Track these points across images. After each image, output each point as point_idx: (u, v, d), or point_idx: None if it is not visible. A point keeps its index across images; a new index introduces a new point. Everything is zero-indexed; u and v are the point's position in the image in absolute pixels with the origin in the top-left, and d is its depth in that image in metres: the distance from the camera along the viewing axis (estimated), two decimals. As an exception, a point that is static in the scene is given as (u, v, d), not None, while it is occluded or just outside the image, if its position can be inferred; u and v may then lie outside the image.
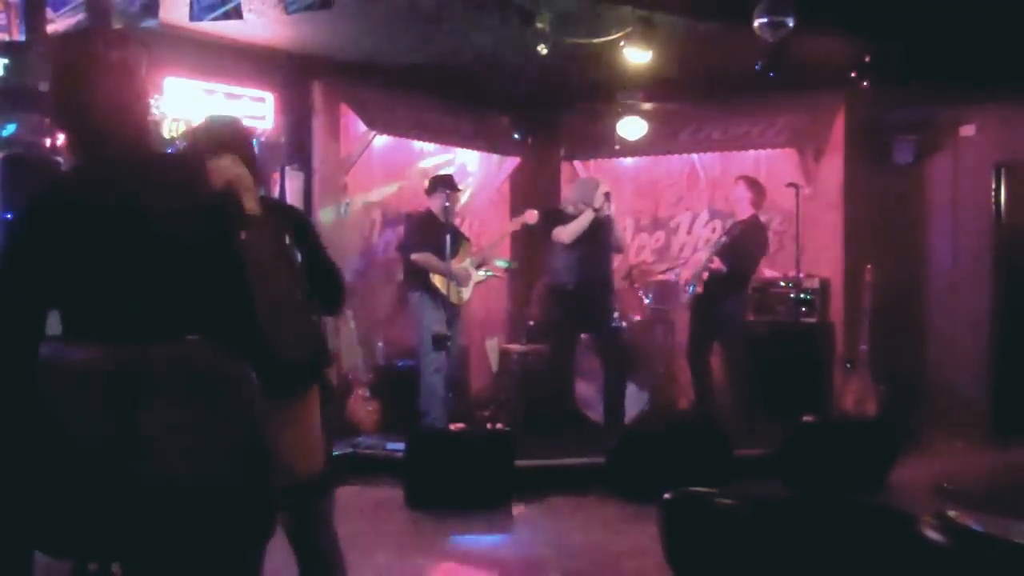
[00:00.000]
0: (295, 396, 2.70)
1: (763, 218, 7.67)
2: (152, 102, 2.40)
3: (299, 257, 2.68)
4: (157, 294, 2.21)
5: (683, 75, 7.53)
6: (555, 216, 7.39)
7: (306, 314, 2.36)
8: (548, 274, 7.57)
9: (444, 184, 7.33)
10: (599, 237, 7.20)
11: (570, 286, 7.21)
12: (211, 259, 2.24)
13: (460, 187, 7.64)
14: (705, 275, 7.32)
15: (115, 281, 2.20)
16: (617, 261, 7.81)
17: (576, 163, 9.24)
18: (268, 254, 2.25)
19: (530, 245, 8.43)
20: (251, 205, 2.25)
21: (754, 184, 7.54)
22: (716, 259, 7.24)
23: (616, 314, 7.50)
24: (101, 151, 2.29)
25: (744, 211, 7.45)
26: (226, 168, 2.29)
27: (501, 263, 8.02)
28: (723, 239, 7.33)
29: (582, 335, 7.56)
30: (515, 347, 8.05)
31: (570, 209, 7.36)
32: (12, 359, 2.12)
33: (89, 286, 2.21)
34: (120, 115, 2.28)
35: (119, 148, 2.28)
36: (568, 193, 7.90)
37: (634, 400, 7.74)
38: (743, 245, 7.28)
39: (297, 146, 7.52)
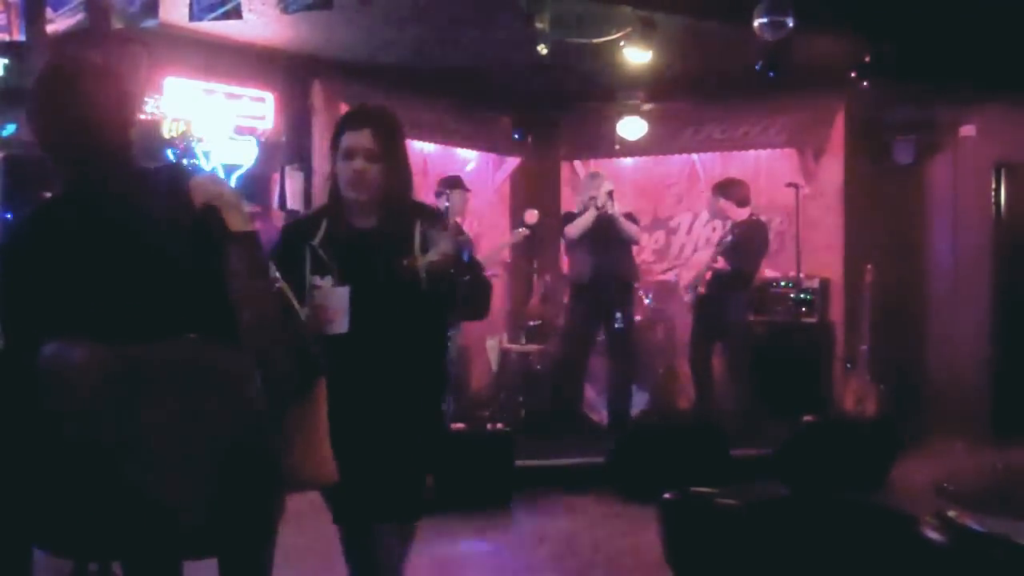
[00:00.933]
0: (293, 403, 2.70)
1: (763, 217, 7.64)
2: (140, 105, 2.39)
3: (278, 274, 2.71)
4: (151, 300, 2.21)
5: (683, 75, 7.53)
6: (568, 218, 7.49)
7: (291, 328, 2.37)
8: (568, 274, 7.62)
9: (449, 186, 7.35)
10: (609, 233, 7.22)
11: (586, 279, 7.25)
12: (199, 270, 2.25)
13: (469, 188, 7.63)
14: (708, 275, 7.29)
15: (107, 289, 2.20)
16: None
17: (576, 163, 9.24)
18: (245, 271, 2.25)
19: (532, 243, 8.45)
20: (234, 222, 2.27)
21: (728, 187, 7.41)
22: (720, 259, 7.18)
23: (619, 314, 7.47)
24: (78, 160, 2.27)
25: (738, 214, 7.37)
26: (205, 186, 2.30)
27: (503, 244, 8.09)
28: (727, 239, 7.28)
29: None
30: (515, 347, 8.05)
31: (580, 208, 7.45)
32: (18, 386, 2.15)
33: (81, 295, 2.21)
34: (98, 120, 2.25)
35: (98, 157, 2.26)
36: (578, 192, 7.93)
37: (634, 400, 7.73)
38: (746, 244, 7.22)
39: (297, 146, 7.52)
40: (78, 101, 2.24)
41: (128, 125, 2.33)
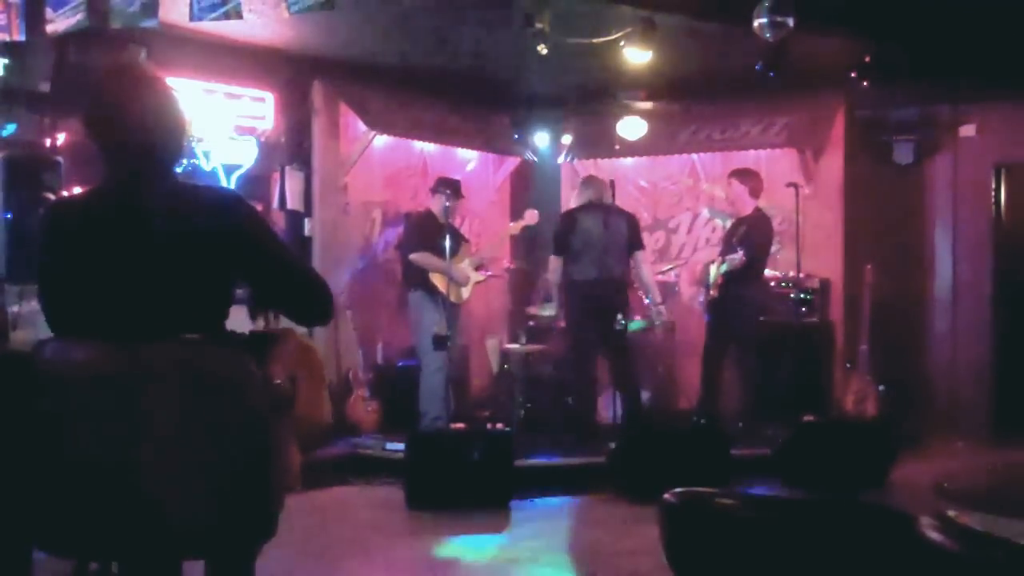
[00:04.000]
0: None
1: (769, 213, 7.60)
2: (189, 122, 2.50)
3: None
4: (162, 302, 2.22)
5: (683, 75, 7.53)
6: (567, 218, 7.39)
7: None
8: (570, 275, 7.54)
9: (449, 187, 7.33)
10: (608, 235, 7.16)
11: (591, 279, 7.10)
12: (215, 278, 2.28)
13: (464, 195, 7.64)
14: (720, 279, 7.18)
15: (123, 285, 2.21)
16: None
17: (576, 163, 9.23)
18: None
19: (533, 243, 8.45)
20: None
21: (746, 175, 7.38)
22: (740, 251, 6.96)
23: (619, 315, 7.41)
24: (131, 158, 2.33)
25: (746, 206, 7.29)
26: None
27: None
28: (741, 229, 7.15)
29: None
30: (515, 347, 8.05)
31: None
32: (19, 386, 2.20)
33: (96, 288, 2.22)
34: (159, 126, 2.34)
35: (151, 159, 2.33)
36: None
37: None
38: (758, 236, 7.15)
39: (297, 146, 7.53)
40: (143, 105, 2.32)
41: (183, 134, 2.44)
